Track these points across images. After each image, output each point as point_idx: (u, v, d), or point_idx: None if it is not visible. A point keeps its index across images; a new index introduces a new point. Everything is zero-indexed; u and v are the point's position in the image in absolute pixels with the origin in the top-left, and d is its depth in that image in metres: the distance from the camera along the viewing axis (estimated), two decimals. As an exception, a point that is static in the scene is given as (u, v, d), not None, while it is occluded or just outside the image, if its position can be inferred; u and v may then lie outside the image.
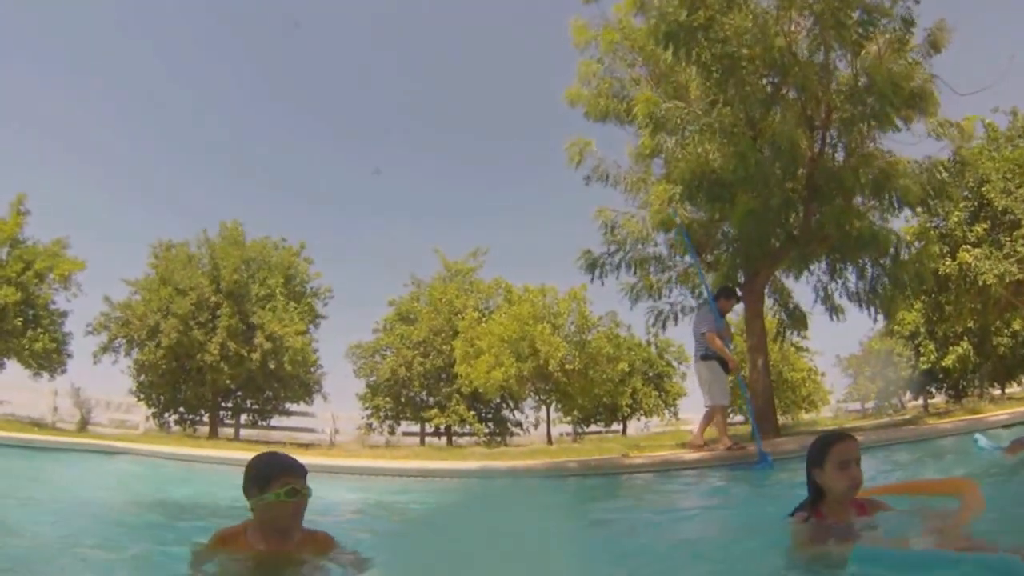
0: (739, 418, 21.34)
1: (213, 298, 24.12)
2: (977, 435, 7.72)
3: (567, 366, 22.61)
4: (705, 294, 11.04)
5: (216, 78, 70.58)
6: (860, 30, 11.71)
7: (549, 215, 78.05)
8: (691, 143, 12.65)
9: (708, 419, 10.37)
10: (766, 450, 8.97)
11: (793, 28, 12.09)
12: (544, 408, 26.09)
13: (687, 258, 13.98)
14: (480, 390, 23.30)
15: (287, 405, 28.10)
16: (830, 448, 3.10)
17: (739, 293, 12.06)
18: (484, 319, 25.78)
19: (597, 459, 10.84)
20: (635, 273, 14.40)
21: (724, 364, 10.12)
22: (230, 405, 27.63)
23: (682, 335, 26.40)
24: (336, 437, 26.82)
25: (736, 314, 15.17)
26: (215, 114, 70.51)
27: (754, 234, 11.91)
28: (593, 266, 14.34)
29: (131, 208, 67.30)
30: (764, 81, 12.38)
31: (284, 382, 26.07)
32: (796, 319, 14.98)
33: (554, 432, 29.02)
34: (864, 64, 11.83)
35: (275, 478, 2.90)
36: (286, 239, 28.58)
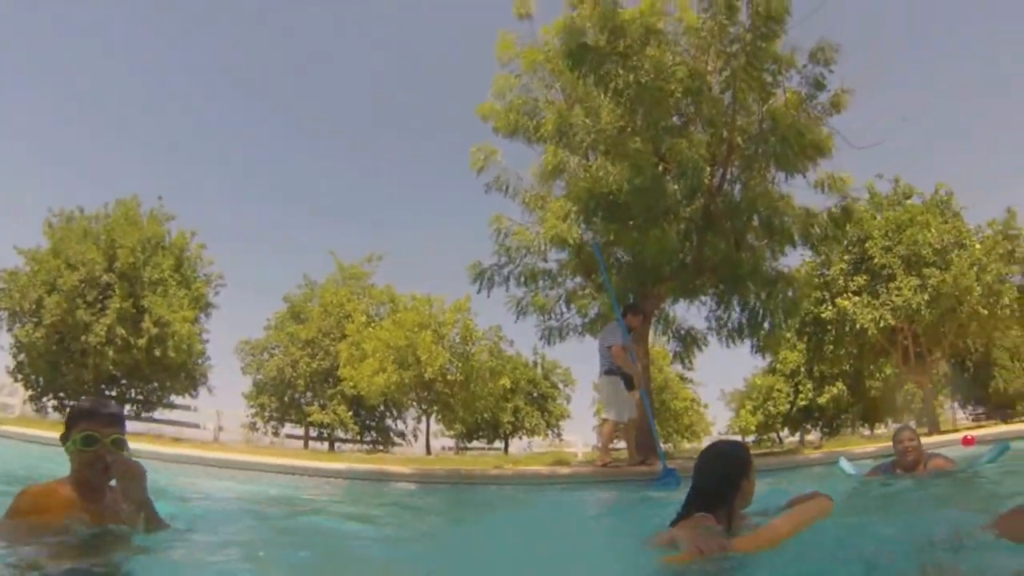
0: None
1: (104, 277, 21.86)
2: (841, 459, 8.05)
3: (448, 377, 22.26)
4: (614, 310, 10.71)
5: (134, 45, 67.46)
6: (770, 78, 12.08)
7: (453, 228, 78.34)
8: (595, 165, 12.52)
9: (630, 434, 10.27)
10: (670, 467, 8.80)
11: (708, 68, 12.29)
12: (425, 418, 25.23)
13: (578, 278, 13.93)
14: (362, 395, 22.83)
15: (172, 398, 25.98)
16: (752, 459, 3.13)
17: (645, 312, 11.91)
18: (372, 324, 25.35)
19: (467, 469, 10.74)
20: (524, 286, 13.98)
21: (628, 381, 9.96)
22: (114, 393, 24.89)
23: (569, 358, 26.40)
24: (220, 435, 25.48)
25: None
26: (137, 84, 67.27)
27: (647, 259, 11.70)
28: (481, 276, 13.84)
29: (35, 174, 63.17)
30: (673, 115, 12.41)
31: (170, 372, 24.08)
32: (690, 343, 14.93)
33: (436, 446, 28.65)
34: (770, 110, 12.08)
35: (75, 424, 2.64)
36: (174, 215, 25.58)
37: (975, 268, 16.53)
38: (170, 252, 24.54)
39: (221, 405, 28.04)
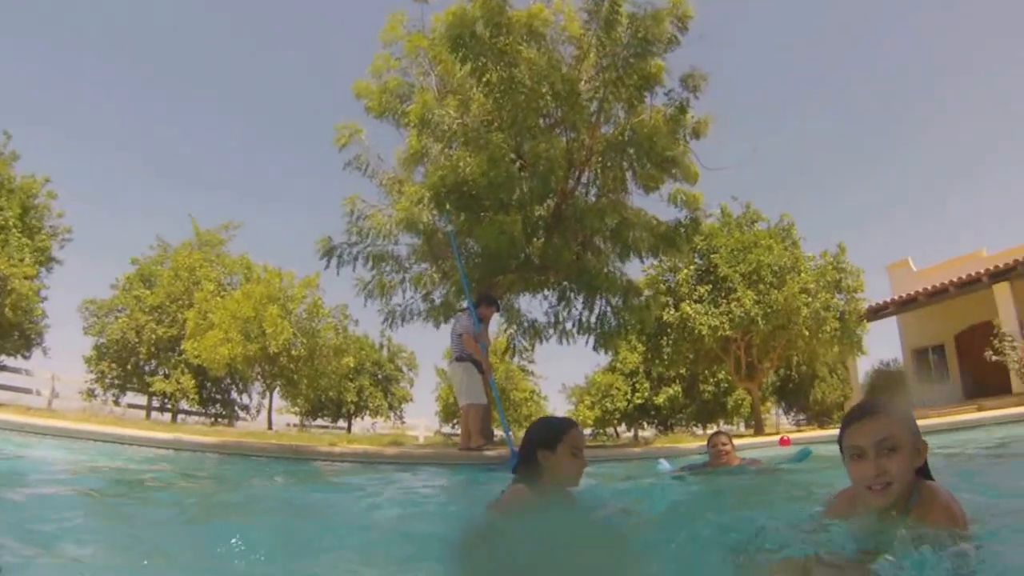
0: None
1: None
2: (661, 461, 8.46)
3: (293, 352, 21.70)
4: (466, 299, 10.60)
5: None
6: (637, 94, 12.42)
7: (316, 203, 76.51)
8: (456, 155, 12.37)
9: (467, 419, 10.14)
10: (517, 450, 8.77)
11: (581, 76, 12.52)
12: (268, 393, 24.43)
13: (425, 264, 13.92)
14: (207, 365, 21.76)
15: (2, 358, 23.64)
16: (566, 432, 2.99)
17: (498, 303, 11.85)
18: (222, 294, 24.25)
19: (298, 444, 10.44)
20: (372, 268, 13.75)
21: (479, 366, 9.95)
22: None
23: (414, 342, 26.21)
24: (55, 402, 23.40)
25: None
26: None
27: (495, 250, 11.77)
28: (330, 253, 13.50)
29: None
30: (540, 117, 12.51)
31: (3, 330, 21.98)
32: (532, 334, 14.98)
33: (280, 422, 27.79)
34: (633, 124, 12.46)
35: None
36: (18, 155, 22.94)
37: (805, 293, 17.44)
38: (15, 197, 22.34)
39: (59, 368, 25.84)
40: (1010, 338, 18.13)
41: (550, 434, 2.99)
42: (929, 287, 22.60)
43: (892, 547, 1.96)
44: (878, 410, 2.24)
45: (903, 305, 23.85)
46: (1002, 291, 20.15)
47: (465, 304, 11.39)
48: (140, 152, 72.06)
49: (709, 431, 31.27)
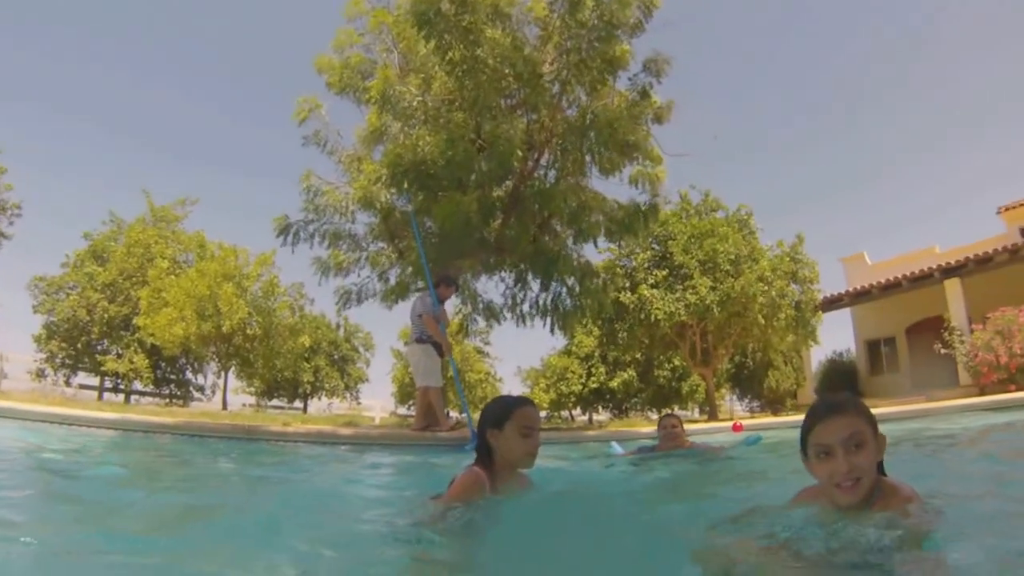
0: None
1: None
2: (612, 442, 8.59)
3: (248, 331, 21.41)
4: (426, 279, 10.53)
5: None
6: (599, 76, 12.30)
7: (274, 179, 75.82)
8: (416, 133, 12.27)
9: (423, 401, 10.09)
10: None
11: (545, 58, 12.47)
12: (223, 373, 24.09)
13: (382, 243, 13.84)
14: (160, 344, 21.45)
15: None
16: (514, 411, 2.92)
17: (457, 283, 11.90)
18: (177, 271, 23.89)
19: (251, 424, 10.26)
20: (328, 247, 13.61)
21: (437, 349, 9.97)
22: None
23: (370, 322, 26.06)
24: (3, 382, 23.09)
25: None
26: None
27: (450, 230, 11.73)
28: (287, 230, 13.32)
29: None
30: (501, 97, 12.41)
31: None
32: (488, 315, 15.00)
33: (236, 402, 27.46)
34: (595, 107, 12.37)
35: None
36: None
37: (761, 282, 17.62)
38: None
39: (7, 348, 25.49)
40: (959, 332, 18.53)
41: (499, 413, 2.94)
42: (883, 280, 23.00)
43: (861, 540, 1.96)
44: (844, 407, 2.23)
45: (857, 297, 24.26)
46: (953, 287, 20.61)
47: (423, 284, 11.33)
48: (96, 122, 70.43)
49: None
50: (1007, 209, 24.50)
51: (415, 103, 12.03)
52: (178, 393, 28.66)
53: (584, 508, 3.24)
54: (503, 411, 2.93)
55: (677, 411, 30.31)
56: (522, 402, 3.02)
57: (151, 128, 75.43)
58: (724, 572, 1.97)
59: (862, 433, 2.16)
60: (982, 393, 14.68)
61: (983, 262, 20.39)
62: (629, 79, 12.89)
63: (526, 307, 14.22)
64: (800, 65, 76.43)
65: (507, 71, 11.84)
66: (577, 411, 33.25)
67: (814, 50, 72.68)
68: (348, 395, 32.91)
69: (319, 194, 13.06)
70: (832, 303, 24.29)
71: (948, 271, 20.92)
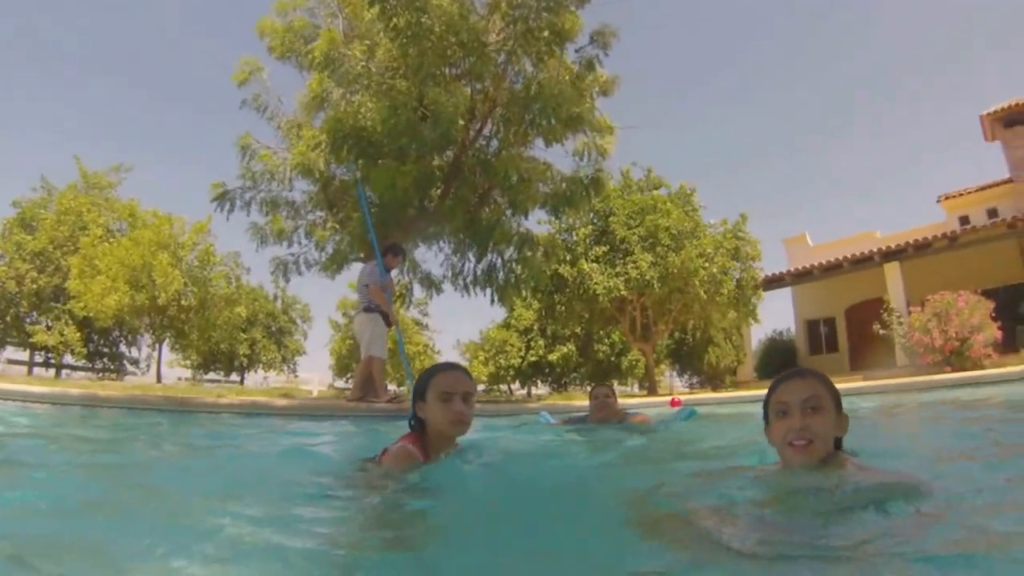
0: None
1: None
2: (542, 412, 8.63)
3: (183, 302, 20.96)
4: (373, 249, 10.36)
5: None
6: (545, 47, 12.25)
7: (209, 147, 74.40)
8: (357, 100, 12.15)
9: (365, 371, 9.96)
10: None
11: (490, 27, 12.43)
12: (157, 345, 23.53)
13: (320, 211, 13.72)
14: (93, 316, 20.86)
15: None
16: (432, 378, 2.81)
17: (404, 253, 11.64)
18: (109, 240, 22.98)
19: (184, 396, 9.98)
20: (266, 214, 13.42)
21: (385, 318, 9.85)
22: None
23: (308, 293, 25.79)
24: None
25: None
26: None
27: (388, 199, 11.70)
28: (223, 197, 13.14)
29: None
30: (446, 66, 12.40)
31: None
32: (428, 285, 15.06)
33: (172, 376, 26.89)
34: (540, 78, 12.40)
35: None
36: None
37: (703, 258, 17.80)
38: None
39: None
40: (897, 314, 18.96)
41: (420, 383, 2.85)
42: (824, 262, 23.42)
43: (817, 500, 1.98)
44: (808, 373, 2.33)
45: (798, 277, 24.72)
46: (892, 270, 21.18)
47: (363, 255, 11.18)
48: (32, 84, 68.21)
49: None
50: (947, 198, 25.37)
51: (359, 68, 11.92)
52: (111, 367, 28.05)
53: (515, 476, 3.21)
54: (423, 380, 2.84)
55: (617, 386, 30.62)
56: (440, 368, 2.91)
57: (87, 92, 73.14)
58: (665, 533, 1.94)
59: (821, 398, 2.23)
60: (918, 373, 15.03)
61: (922, 247, 21.03)
62: (576, 51, 12.92)
63: (467, 278, 14.24)
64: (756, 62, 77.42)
65: (452, 39, 11.78)
66: (516, 385, 33.47)
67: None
68: (286, 368, 32.68)
69: (256, 157, 12.84)
70: (773, 282, 24.76)
71: (888, 255, 21.49)
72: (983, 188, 24.62)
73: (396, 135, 11.32)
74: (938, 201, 25.59)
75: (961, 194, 25.01)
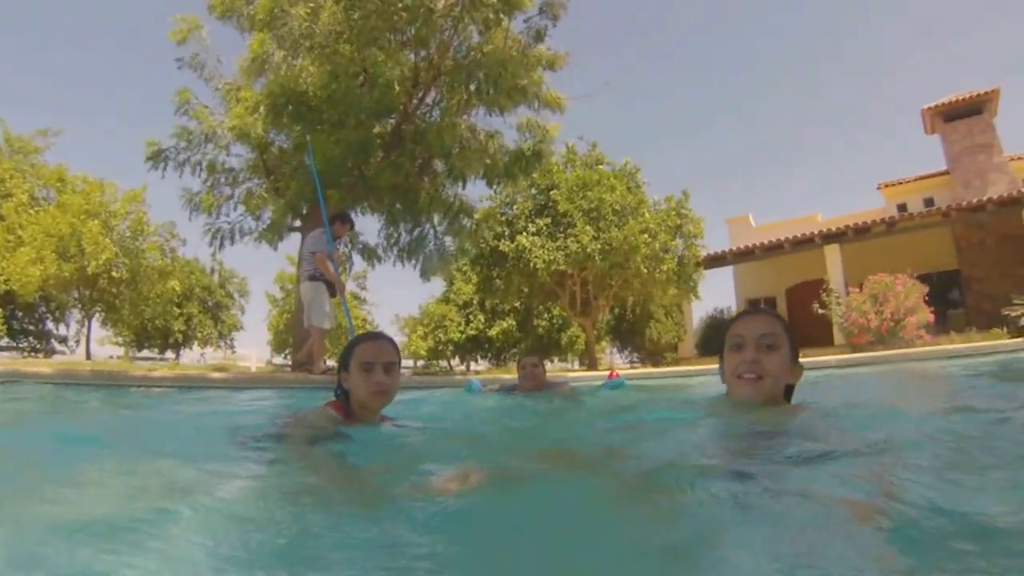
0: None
1: None
2: (471, 379, 8.97)
3: (114, 274, 20.16)
4: (322, 216, 10.18)
5: None
6: (493, 15, 12.15)
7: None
8: (299, 64, 11.92)
9: (312, 341, 9.88)
10: None
11: None
12: (87, 320, 22.80)
13: (257, 179, 13.55)
14: (15, 290, 19.85)
15: None
16: (354, 348, 2.79)
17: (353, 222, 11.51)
18: (35, 207, 22.22)
19: (111, 370, 9.71)
20: (206, 180, 13.21)
21: (331, 288, 9.71)
22: None
23: (245, 267, 25.30)
24: None
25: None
26: None
27: (326, 167, 11.52)
28: (157, 156, 12.79)
29: None
30: (390, 32, 12.27)
31: None
32: (366, 255, 15.03)
33: (103, 353, 26.26)
34: (485, 47, 12.47)
35: None
36: None
37: (645, 234, 17.96)
38: None
39: None
40: (836, 295, 19.44)
41: (344, 355, 2.84)
42: (766, 242, 23.88)
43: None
44: (767, 312, 2.36)
45: (740, 256, 25.21)
46: (832, 252, 21.83)
47: (299, 224, 11.01)
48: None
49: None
50: (886, 186, 26.57)
51: (302, 28, 11.67)
52: (37, 345, 27.24)
53: (439, 437, 3.21)
54: (347, 350, 2.82)
55: (557, 362, 30.84)
56: (363, 338, 2.88)
57: (14, 53, 70.52)
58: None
59: (777, 336, 2.22)
60: (855, 352, 15.45)
61: (862, 231, 21.73)
62: (525, 21, 12.87)
63: (399, 249, 14.24)
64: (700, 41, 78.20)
65: (399, 4, 11.68)
66: (456, 361, 33.47)
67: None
68: (223, 344, 32.17)
69: (191, 114, 12.52)
70: (715, 260, 25.22)
71: (828, 237, 22.13)
72: (921, 178, 25.96)
73: (336, 102, 11.20)
74: (878, 188, 26.76)
75: (900, 183, 26.25)
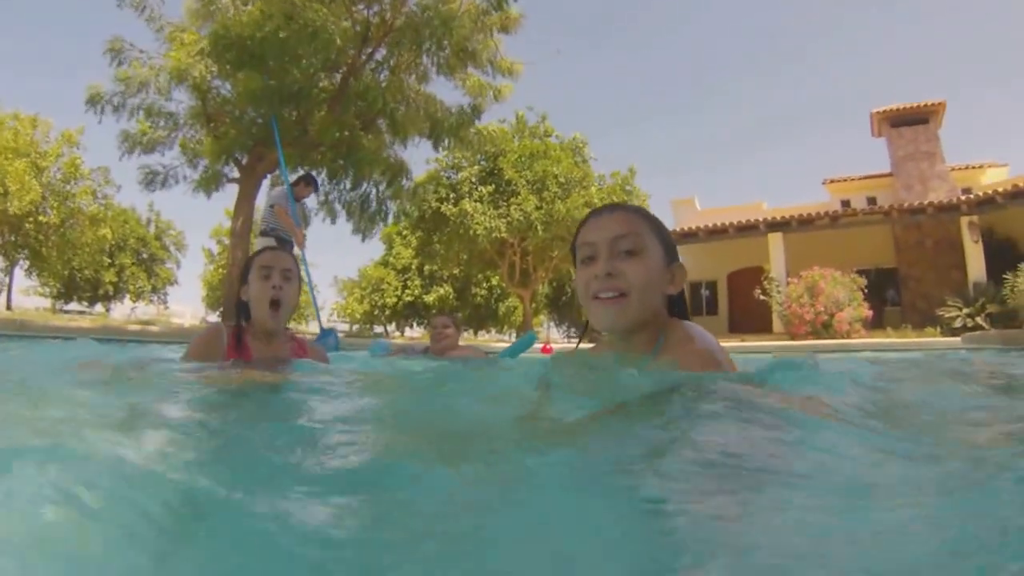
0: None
1: None
2: (380, 339, 9.51)
3: (41, 218, 19.72)
4: (282, 175, 10.16)
5: None
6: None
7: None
8: (247, 11, 11.89)
9: None
10: (328, 328, 8.95)
11: None
12: (10, 268, 22.22)
13: (197, 126, 13.45)
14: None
15: None
16: (255, 258, 2.73)
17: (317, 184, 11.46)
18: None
19: (24, 319, 9.82)
20: (150, 124, 13.20)
21: (289, 246, 9.37)
22: None
23: (182, 220, 24.79)
24: None
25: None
26: None
27: (267, 116, 11.50)
28: (97, 100, 12.65)
29: None
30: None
31: None
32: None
33: (27, 304, 25.56)
34: (439, 9, 12.28)
35: None
36: None
37: (589, 207, 18.27)
38: None
39: None
40: (777, 283, 19.91)
41: (243, 268, 2.79)
42: (710, 225, 24.28)
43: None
44: (620, 206, 1.78)
45: (684, 237, 25.55)
46: (775, 240, 22.35)
47: (237, 175, 10.92)
48: None
49: (480, 336, 32.15)
50: (832, 182, 27.44)
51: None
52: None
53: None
54: (246, 265, 2.78)
55: (494, 333, 31.02)
56: (264, 249, 2.88)
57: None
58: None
59: (639, 236, 1.68)
60: (793, 340, 15.92)
61: (805, 222, 22.30)
62: None
63: (338, 206, 14.34)
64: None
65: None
66: (392, 327, 33.51)
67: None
68: (156, 298, 31.46)
69: (128, 63, 12.37)
70: (659, 240, 25.36)
71: (773, 225, 22.63)
72: (866, 177, 26.85)
73: (270, 46, 11.10)
74: (823, 183, 27.47)
75: (845, 180, 27.13)
